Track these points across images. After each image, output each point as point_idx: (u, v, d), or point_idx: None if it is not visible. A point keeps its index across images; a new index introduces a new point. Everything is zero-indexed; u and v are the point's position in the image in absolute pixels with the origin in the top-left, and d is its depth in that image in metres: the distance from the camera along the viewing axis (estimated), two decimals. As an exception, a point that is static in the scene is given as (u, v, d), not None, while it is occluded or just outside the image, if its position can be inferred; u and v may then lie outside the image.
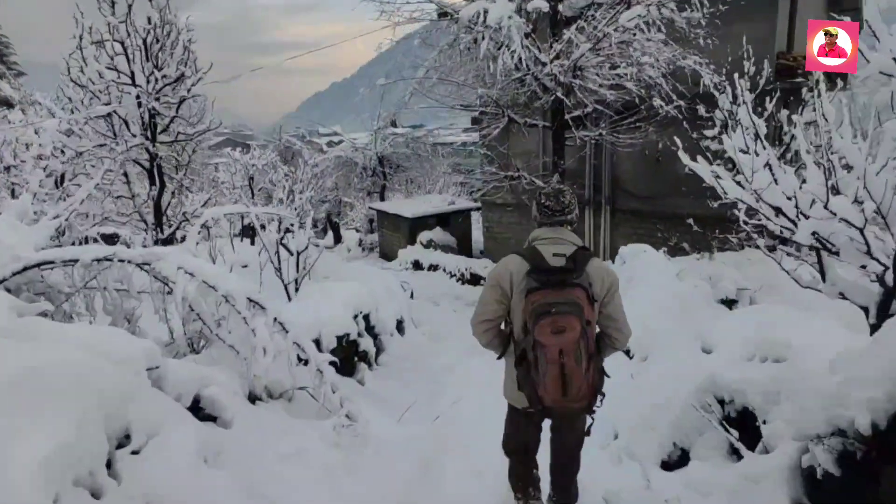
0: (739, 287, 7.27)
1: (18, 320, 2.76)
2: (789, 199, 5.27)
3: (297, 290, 7.13)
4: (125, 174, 10.55)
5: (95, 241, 7.26)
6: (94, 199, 12.54)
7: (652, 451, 3.80)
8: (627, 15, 8.40)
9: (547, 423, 3.07)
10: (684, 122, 8.88)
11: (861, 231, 4.19)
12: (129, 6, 9.44)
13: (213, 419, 3.46)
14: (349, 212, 22.44)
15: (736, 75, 6.17)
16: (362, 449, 4.03)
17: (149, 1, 9.44)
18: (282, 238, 7.51)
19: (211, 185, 16.14)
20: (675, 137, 6.50)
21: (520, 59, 8.75)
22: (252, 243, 13.51)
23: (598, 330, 2.79)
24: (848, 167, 4.74)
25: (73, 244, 5.89)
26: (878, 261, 3.88)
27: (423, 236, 15.23)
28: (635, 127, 10.10)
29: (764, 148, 5.83)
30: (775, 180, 5.33)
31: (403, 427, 4.74)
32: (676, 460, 3.79)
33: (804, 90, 9.02)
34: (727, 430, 3.31)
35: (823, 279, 5.21)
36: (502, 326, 2.87)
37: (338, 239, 20.04)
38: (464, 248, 15.89)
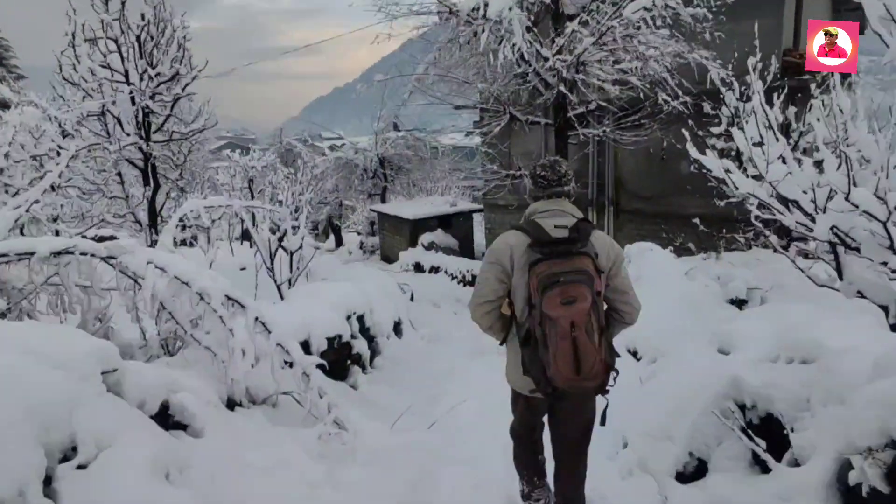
0: (750, 287, 6.93)
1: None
2: (805, 193, 4.94)
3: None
4: (119, 174, 10.24)
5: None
6: (90, 199, 12.28)
7: (666, 461, 3.43)
8: (632, 7, 8.06)
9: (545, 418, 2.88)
10: (689, 120, 8.57)
11: (884, 224, 3.88)
12: (123, 3, 9.15)
13: (183, 428, 3.11)
14: (351, 215, 22.11)
15: (750, 61, 5.84)
16: (350, 460, 3.67)
17: None
18: (281, 239, 7.21)
19: (210, 187, 15.87)
20: (684, 131, 6.19)
21: (521, 54, 8.42)
22: (251, 246, 13.22)
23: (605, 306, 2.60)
24: (862, 161, 4.44)
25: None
26: (900, 256, 3.52)
27: (425, 238, 14.92)
28: (639, 124, 9.76)
29: (777, 140, 5.49)
30: (790, 172, 5.01)
31: (397, 434, 4.37)
32: (693, 472, 3.42)
33: (812, 86, 8.70)
34: (753, 440, 2.94)
35: (840, 277, 4.86)
36: (504, 310, 2.61)
37: (339, 242, 19.72)
38: (465, 250, 15.55)
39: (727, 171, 5.31)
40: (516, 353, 2.58)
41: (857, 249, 4.49)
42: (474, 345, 6.19)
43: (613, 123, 9.85)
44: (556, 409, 2.76)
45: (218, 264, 12.05)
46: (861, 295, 4.55)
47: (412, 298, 9.65)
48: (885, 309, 4.10)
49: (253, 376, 3.96)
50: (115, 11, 9.11)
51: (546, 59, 8.43)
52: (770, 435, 3.11)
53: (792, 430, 2.96)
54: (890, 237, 4.01)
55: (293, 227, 7.14)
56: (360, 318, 5.88)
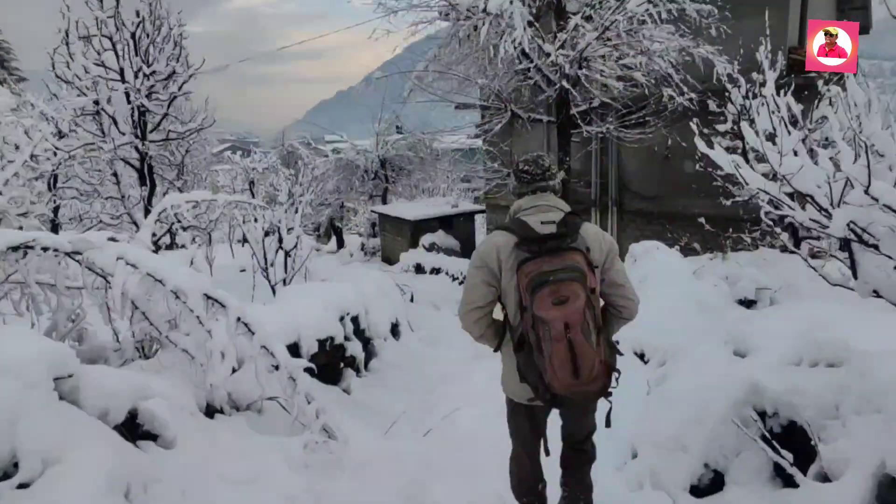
0: (759, 287, 6.64)
1: None
2: (818, 187, 4.66)
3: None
4: (115, 174, 10.00)
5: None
6: (88, 201, 12.04)
7: (679, 474, 3.12)
8: (636, 0, 7.78)
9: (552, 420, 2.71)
10: (695, 118, 8.30)
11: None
12: (118, 0, 8.92)
13: (153, 438, 2.82)
14: (352, 217, 21.83)
15: (761, 49, 5.55)
16: (337, 470, 3.37)
17: (139, -3, 8.92)
18: (281, 240, 6.95)
19: (212, 189, 15.62)
20: (691, 126, 5.92)
21: (522, 50, 8.15)
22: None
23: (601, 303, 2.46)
24: (876, 155, 4.18)
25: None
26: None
27: (426, 239, 14.63)
28: (643, 122, 9.47)
29: (789, 133, 5.20)
30: (803, 165, 4.73)
31: (389, 442, 4.08)
32: (708, 485, 3.11)
33: (820, 83, 8.42)
34: (778, 452, 2.63)
35: (855, 276, 4.57)
36: (497, 315, 2.48)
37: (341, 243, 19.43)
38: (467, 251, 15.25)
39: (737, 165, 5.04)
40: (512, 359, 2.41)
41: (876, 246, 4.20)
42: (474, 348, 5.88)
43: (617, 121, 9.55)
44: (563, 412, 2.65)
45: (218, 265, 11.84)
46: (877, 294, 4.26)
47: (412, 300, 9.37)
48: (901, 308, 3.83)
49: (236, 381, 3.68)
50: (110, 9, 8.89)
51: (548, 55, 8.14)
52: (794, 445, 2.82)
53: (820, 441, 2.65)
54: (912, 232, 3.74)
55: (288, 229, 6.87)
56: (355, 319, 5.58)
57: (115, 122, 9.17)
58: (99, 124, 9.31)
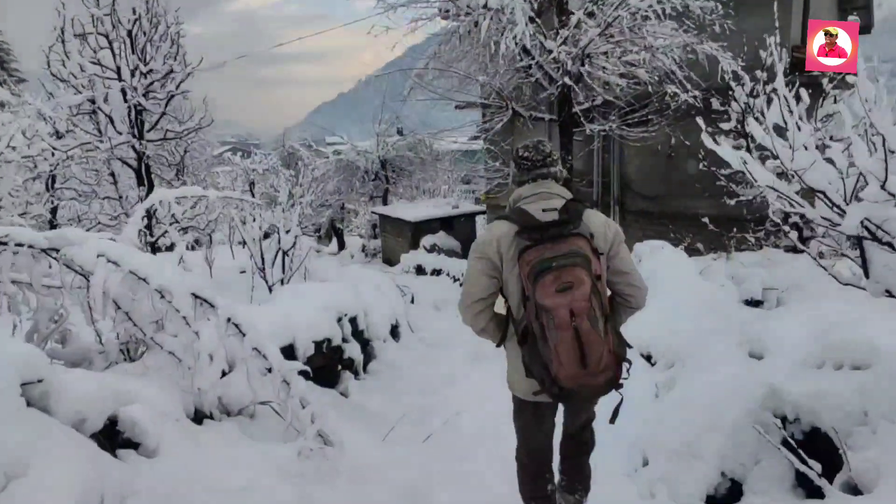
0: (765, 287, 6.44)
1: None
2: (829, 183, 4.48)
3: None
4: (112, 174, 9.82)
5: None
6: (86, 201, 11.85)
7: (694, 482, 2.93)
8: (640, -5, 7.59)
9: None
10: (699, 116, 8.13)
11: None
12: (114, -3, 8.75)
13: (134, 446, 2.62)
14: (353, 218, 21.65)
15: (771, 39, 5.37)
16: (333, 479, 3.18)
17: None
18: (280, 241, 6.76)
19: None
20: (698, 121, 5.75)
21: (523, 47, 7.96)
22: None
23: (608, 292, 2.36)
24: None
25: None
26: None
27: (427, 240, 14.44)
28: (646, 120, 9.28)
29: (799, 129, 5.01)
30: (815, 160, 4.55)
31: (388, 448, 3.88)
32: (725, 494, 2.92)
33: (825, 81, 8.24)
34: (805, 462, 2.43)
35: (866, 275, 4.38)
36: (499, 308, 2.37)
37: (341, 245, 19.25)
38: (468, 252, 14.98)
39: (745, 162, 4.85)
40: (517, 354, 2.30)
41: (891, 244, 4.02)
42: (476, 349, 5.71)
43: (619, 119, 9.36)
44: (569, 407, 2.60)
45: (218, 266, 11.65)
46: (889, 294, 4.07)
47: (413, 301, 9.17)
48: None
49: (226, 385, 3.49)
50: (106, 6, 8.70)
51: (550, 52, 7.95)
52: (817, 453, 2.61)
53: (847, 449, 2.46)
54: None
55: (286, 230, 6.67)
56: (353, 321, 5.39)
57: (112, 122, 8.98)
58: (96, 123, 9.13)
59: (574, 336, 2.05)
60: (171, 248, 18.29)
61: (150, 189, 9.82)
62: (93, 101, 8.68)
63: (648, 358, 5.07)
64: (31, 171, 10.20)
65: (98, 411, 2.50)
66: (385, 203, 18.38)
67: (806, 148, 4.60)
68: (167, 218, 10.00)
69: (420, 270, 13.21)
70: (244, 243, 6.82)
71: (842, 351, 2.75)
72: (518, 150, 2.47)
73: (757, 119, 6.56)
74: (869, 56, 4.03)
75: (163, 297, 2.95)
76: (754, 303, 6.35)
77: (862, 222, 4.05)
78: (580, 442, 2.70)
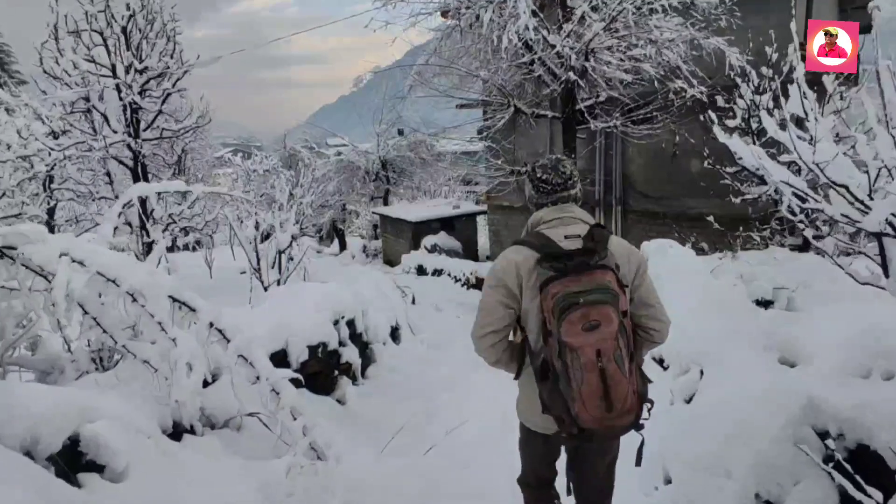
0: (776, 287, 6.12)
1: None
2: (851, 178, 4.17)
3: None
4: (108, 174, 9.50)
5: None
6: (84, 202, 11.52)
7: (724, 503, 2.59)
8: (644, -12, 7.26)
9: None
10: (706, 112, 7.83)
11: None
12: (109, -6, 8.44)
13: (99, 469, 2.29)
14: (354, 219, 21.32)
15: (792, 24, 5.04)
16: (325, 497, 2.85)
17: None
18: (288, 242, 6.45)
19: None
20: (710, 115, 5.44)
21: (526, 42, 7.64)
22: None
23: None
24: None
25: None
26: None
27: (428, 241, 14.14)
28: (650, 117, 8.95)
29: (816, 120, 4.68)
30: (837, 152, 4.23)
31: (386, 461, 3.55)
32: (759, 518, 2.58)
33: (831, 78, 7.93)
34: (863, 490, 2.09)
35: (886, 274, 4.06)
36: (512, 337, 2.18)
37: (343, 246, 18.92)
38: (469, 252, 14.75)
39: (758, 157, 4.55)
40: (531, 385, 2.12)
41: (920, 242, 3.70)
42: (478, 350, 5.38)
43: (623, 116, 9.03)
44: (579, 450, 2.35)
45: (218, 267, 11.33)
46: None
47: (413, 301, 8.85)
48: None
49: (210, 395, 3.16)
50: (101, 2, 8.40)
51: (553, 47, 7.63)
52: (865, 474, 2.28)
53: (904, 470, 2.13)
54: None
55: (282, 227, 6.36)
56: (351, 323, 5.05)
57: (107, 120, 8.67)
58: (91, 122, 8.82)
59: (600, 377, 1.90)
60: (171, 248, 17.99)
61: (147, 189, 9.52)
62: (87, 100, 8.37)
63: (661, 362, 4.74)
64: (26, 171, 9.90)
65: (55, 430, 2.17)
66: (386, 203, 18.05)
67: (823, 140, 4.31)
68: (164, 218, 9.70)
69: (421, 271, 12.93)
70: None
71: (890, 358, 2.42)
72: (536, 169, 2.22)
73: (770, 112, 6.24)
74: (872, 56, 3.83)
75: (135, 300, 2.62)
76: (765, 303, 6.03)
77: (886, 219, 3.77)
78: (601, 490, 2.42)
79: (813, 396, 2.51)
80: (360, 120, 19.36)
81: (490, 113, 9.88)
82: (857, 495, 2.09)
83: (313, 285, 5.18)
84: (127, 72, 8.45)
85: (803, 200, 4.60)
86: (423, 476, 3.37)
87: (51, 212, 10.96)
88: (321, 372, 4.39)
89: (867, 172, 3.96)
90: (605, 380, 1.91)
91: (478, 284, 11.91)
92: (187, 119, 9.54)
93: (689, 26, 7.80)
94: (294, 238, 6.41)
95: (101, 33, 8.44)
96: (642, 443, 2.21)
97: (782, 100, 4.83)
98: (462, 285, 12.00)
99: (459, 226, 14.99)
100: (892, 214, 3.81)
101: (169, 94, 9.03)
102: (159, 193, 10.31)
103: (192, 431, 2.97)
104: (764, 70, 7.04)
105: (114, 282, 2.56)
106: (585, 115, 8.69)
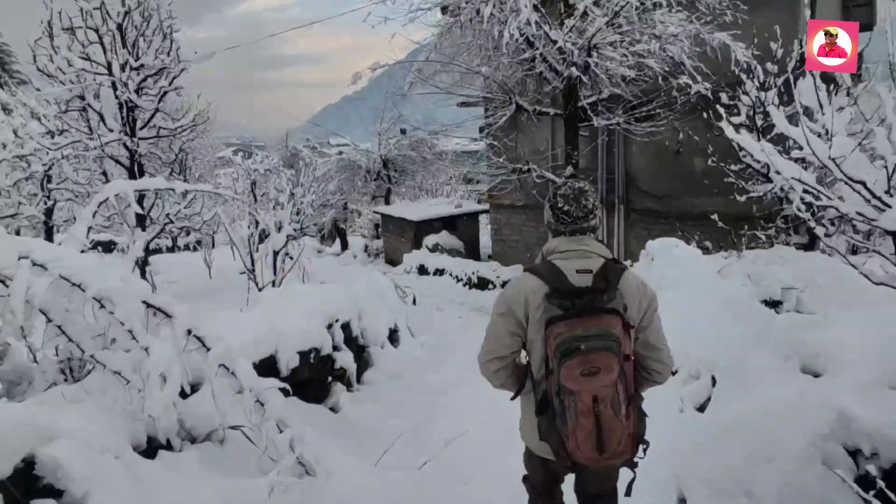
0: (784, 286, 5.86)
1: None
2: (861, 181, 3.93)
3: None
4: (104, 173, 9.28)
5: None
6: (82, 202, 11.29)
7: (745, 528, 2.34)
8: (648, -18, 7.00)
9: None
10: (710, 109, 7.58)
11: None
12: (104, -9, 8.19)
13: (57, 495, 2.05)
14: (356, 219, 21.08)
15: (805, 14, 4.80)
16: (312, 520, 2.61)
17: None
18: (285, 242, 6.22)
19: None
20: (718, 109, 5.19)
21: (527, 38, 7.38)
22: (256, 250, 12.21)
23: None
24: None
25: None
26: None
27: (429, 240, 13.90)
28: (653, 115, 8.69)
29: (831, 114, 4.41)
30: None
31: (380, 475, 3.30)
32: (784, 544, 2.33)
33: (836, 75, 7.67)
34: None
35: (902, 274, 3.81)
36: (520, 360, 2.15)
37: (344, 246, 18.69)
38: (471, 251, 14.50)
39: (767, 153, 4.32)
40: (532, 408, 2.11)
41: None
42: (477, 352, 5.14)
43: (626, 113, 8.77)
44: (578, 474, 2.35)
45: (217, 267, 11.11)
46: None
47: (414, 302, 8.61)
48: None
49: (190, 407, 2.92)
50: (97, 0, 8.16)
51: (554, 42, 7.37)
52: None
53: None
54: None
55: (278, 227, 6.12)
56: (346, 326, 4.80)
57: (103, 119, 8.43)
58: (86, 121, 8.58)
59: (595, 423, 1.92)
60: (172, 248, 17.66)
61: (144, 188, 9.29)
62: (82, 98, 8.13)
63: (669, 366, 4.49)
64: (23, 170, 9.69)
65: (7, 452, 1.93)
66: (387, 203, 17.81)
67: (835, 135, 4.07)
68: (161, 218, 9.47)
69: (423, 270, 12.70)
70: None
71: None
72: (558, 198, 2.14)
73: (779, 106, 5.99)
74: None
75: (103, 306, 2.38)
76: (773, 303, 5.79)
77: (907, 216, 3.52)
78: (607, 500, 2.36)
79: (843, 411, 2.26)
80: (361, 120, 19.12)
81: (491, 110, 9.63)
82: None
83: (307, 287, 4.94)
84: (123, 69, 8.22)
85: (815, 198, 4.36)
86: (420, 492, 3.13)
87: (49, 212, 10.74)
88: (313, 379, 4.14)
89: (886, 167, 3.73)
90: (600, 424, 1.92)
91: (479, 284, 11.67)
92: (184, 118, 9.29)
93: (695, 20, 7.54)
94: (291, 238, 6.16)
95: (96, 30, 8.21)
96: (633, 479, 2.16)
97: (790, 95, 4.59)
98: (464, 285, 11.77)
99: (461, 225, 14.74)
100: (914, 212, 3.57)
101: (166, 93, 8.79)
102: (157, 193, 10.11)
103: (168, 447, 2.73)
104: (769, 66, 6.80)
105: (79, 286, 2.32)
106: (588, 112, 8.44)
